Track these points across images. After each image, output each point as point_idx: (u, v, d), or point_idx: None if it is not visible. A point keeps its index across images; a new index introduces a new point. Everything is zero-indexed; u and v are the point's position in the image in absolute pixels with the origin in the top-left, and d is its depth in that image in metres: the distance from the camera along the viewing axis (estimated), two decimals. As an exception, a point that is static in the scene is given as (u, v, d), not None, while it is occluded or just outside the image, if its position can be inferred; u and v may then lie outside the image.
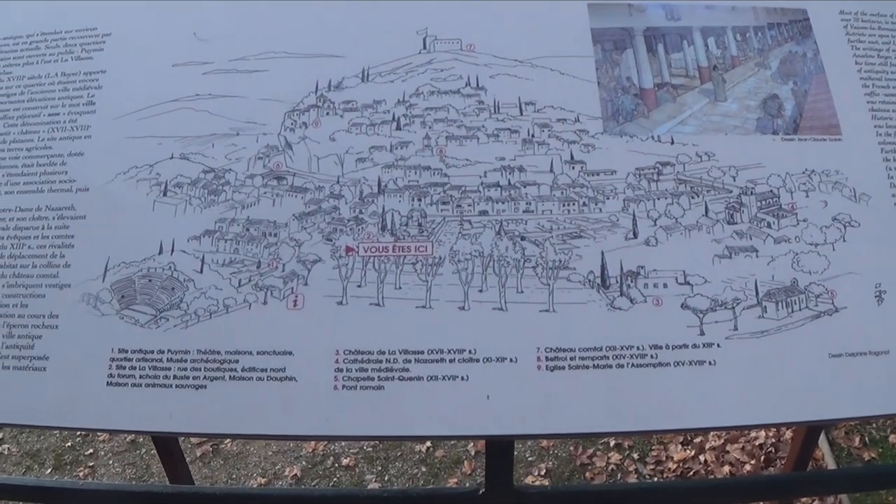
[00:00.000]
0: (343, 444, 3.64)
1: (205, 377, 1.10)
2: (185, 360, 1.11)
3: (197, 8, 1.32)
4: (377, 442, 3.56)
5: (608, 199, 1.18)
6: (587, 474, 3.44)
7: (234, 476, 3.59)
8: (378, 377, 1.10)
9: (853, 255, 1.23)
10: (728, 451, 3.44)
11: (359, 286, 1.13)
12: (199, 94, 1.23)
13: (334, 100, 1.22)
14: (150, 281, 1.18)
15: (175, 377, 1.10)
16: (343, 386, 1.09)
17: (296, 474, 3.56)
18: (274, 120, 1.22)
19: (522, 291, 1.13)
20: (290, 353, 1.11)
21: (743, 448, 3.43)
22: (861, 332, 1.19)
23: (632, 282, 1.15)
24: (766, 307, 1.18)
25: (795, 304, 1.19)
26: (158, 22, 1.32)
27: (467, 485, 2.37)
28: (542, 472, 3.46)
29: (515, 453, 2.58)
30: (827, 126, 1.27)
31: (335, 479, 3.51)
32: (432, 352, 1.11)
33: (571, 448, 3.57)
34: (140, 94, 1.26)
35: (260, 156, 1.21)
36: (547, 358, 1.11)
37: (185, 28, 1.30)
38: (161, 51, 1.29)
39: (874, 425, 3.47)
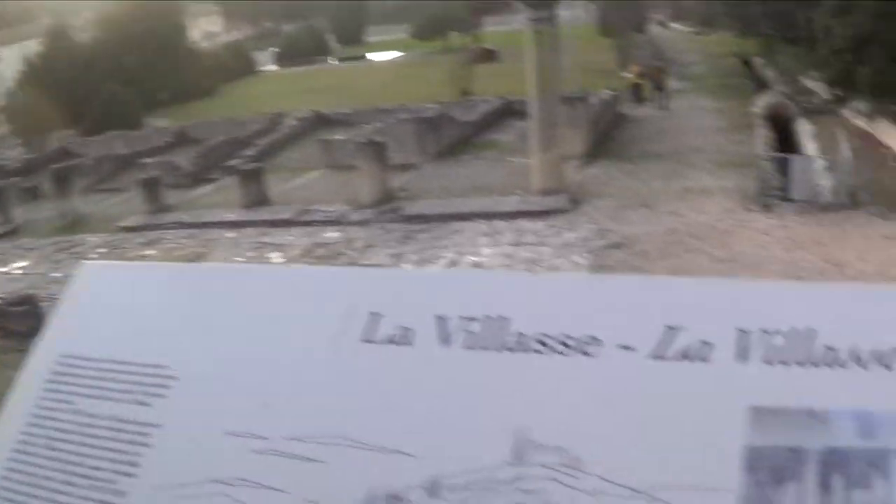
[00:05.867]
0: None
1: None
2: None
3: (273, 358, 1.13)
4: None
5: None
6: None
7: None
8: None
9: None
10: None
11: None
12: (243, 479, 1.01)
13: (392, 516, 0.94)
14: None
15: None
16: None
17: None
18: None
19: None
20: None
21: None
22: None
23: None
24: None
25: None
26: (232, 370, 1.14)
27: None
28: None
29: None
30: None
31: None
32: None
33: None
34: (186, 463, 1.07)
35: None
36: None
37: (257, 384, 1.11)
38: (223, 409, 1.10)
39: None
